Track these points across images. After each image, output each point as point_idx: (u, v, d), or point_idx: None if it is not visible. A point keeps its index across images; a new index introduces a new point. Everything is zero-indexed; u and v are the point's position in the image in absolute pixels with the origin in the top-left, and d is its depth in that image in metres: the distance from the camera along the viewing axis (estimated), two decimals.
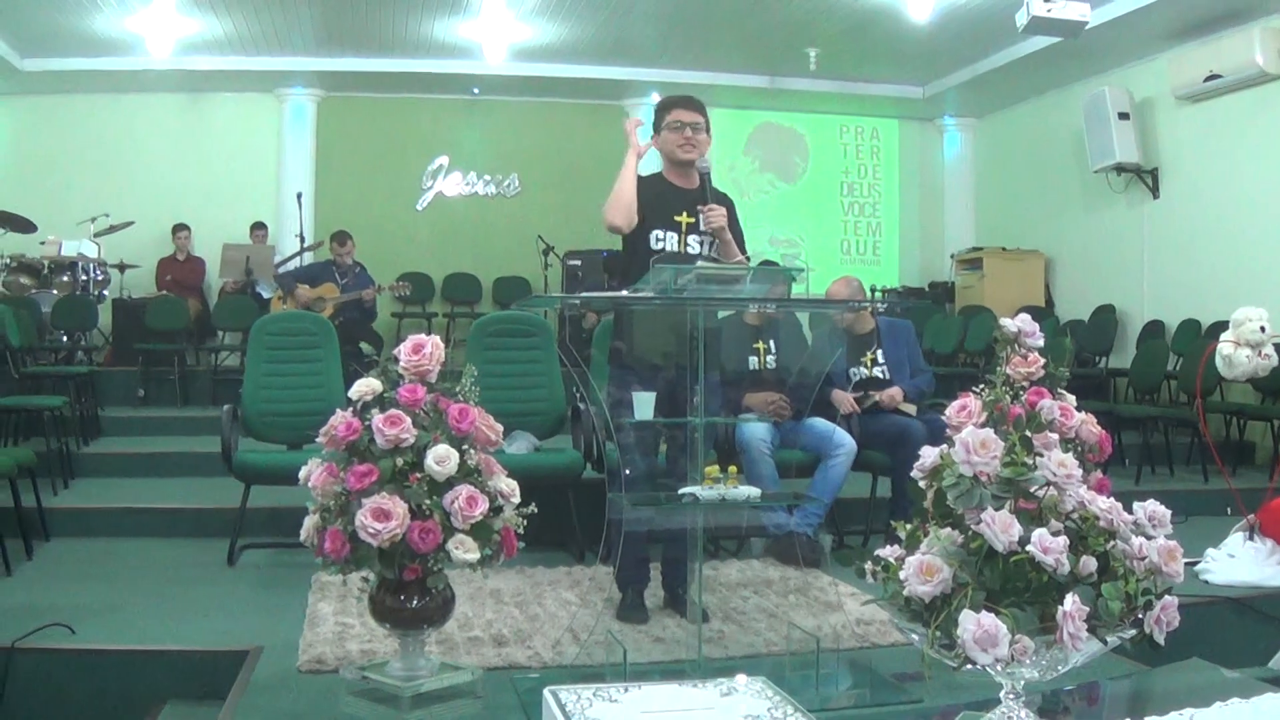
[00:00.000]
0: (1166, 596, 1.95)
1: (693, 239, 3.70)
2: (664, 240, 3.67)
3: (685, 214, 3.71)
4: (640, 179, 3.71)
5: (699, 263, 3.46)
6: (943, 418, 2.32)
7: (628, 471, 3.14)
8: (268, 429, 4.96)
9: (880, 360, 5.21)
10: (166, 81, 9.88)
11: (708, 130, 3.78)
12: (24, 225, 8.75)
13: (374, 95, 10.73)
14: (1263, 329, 4.33)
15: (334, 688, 2.86)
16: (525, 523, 2.76)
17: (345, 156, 10.72)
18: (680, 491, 3.00)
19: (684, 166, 3.76)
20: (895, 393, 5.04)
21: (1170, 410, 7.36)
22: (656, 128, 3.80)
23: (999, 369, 2.34)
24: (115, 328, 9.15)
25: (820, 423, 4.76)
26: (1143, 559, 1.96)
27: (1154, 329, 8.56)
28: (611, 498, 3.04)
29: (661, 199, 3.72)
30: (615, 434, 3.17)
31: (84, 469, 6.14)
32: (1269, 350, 4.35)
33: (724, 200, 3.74)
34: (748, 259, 3.70)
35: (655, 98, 10.74)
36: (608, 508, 3.04)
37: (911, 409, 5.03)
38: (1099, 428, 2.43)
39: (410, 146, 10.95)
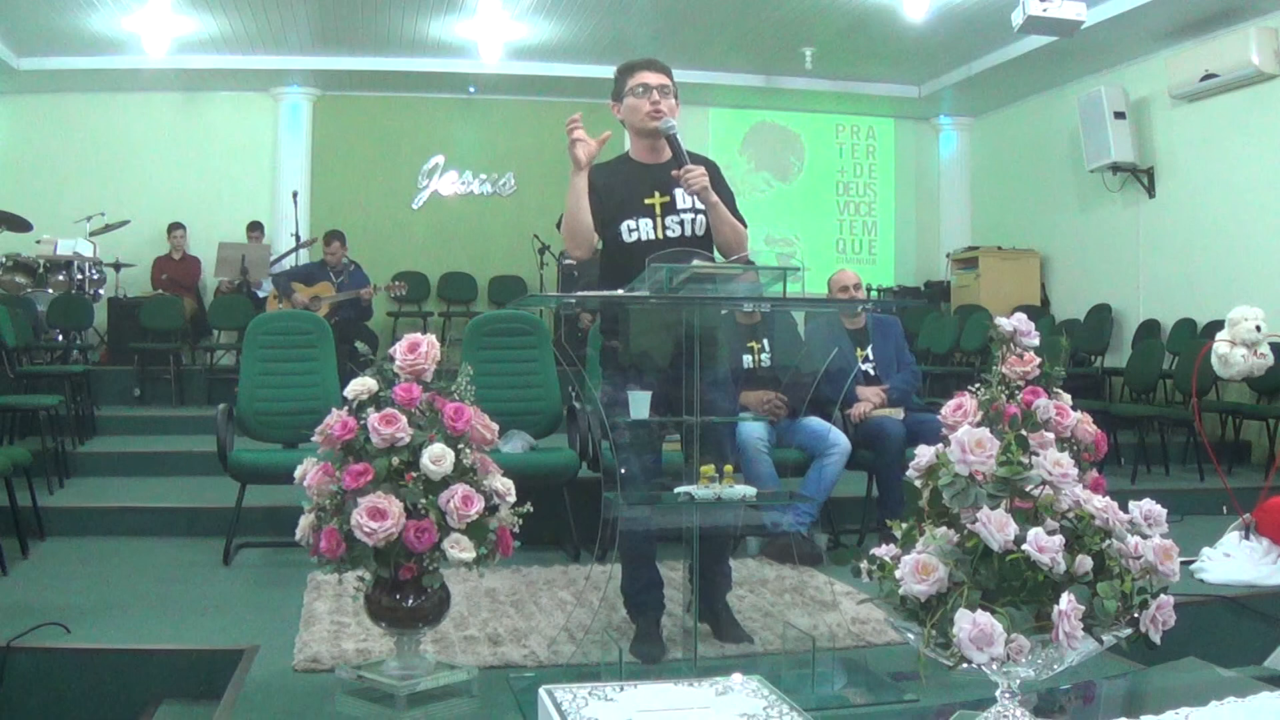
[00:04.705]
0: (1162, 595, 1.95)
1: (670, 220, 3.33)
2: (637, 230, 3.31)
3: (657, 194, 3.33)
4: (599, 167, 3.34)
5: (695, 260, 3.25)
6: (937, 417, 2.32)
7: (623, 470, 3.13)
8: (263, 428, 4.96)
9: (870, 357, 5.22)
10: (162, 80, 9.88)
11: (676, 95, 3.35)
12: (20, 224, 8.73)
13: (370, 94, 10.73)
14: (1258, 328, 4.34)
15: (329, 687, 2.86)
16: (521, 522, 2.76)
17: (341, 155, 10.72)
18: (676, 490, 3.00)
19: (652, 138, 3.35)
20: (863, 407, 5.01)
21: (1166, 409, 7.36)
22: (618, 95, 3.38)
23: (995, 368, 2.34)
24: (111, 327, 9.15)
25: (816, 422, 4.76)
26: (1138, 558, 1.96)
27: (1150, 328, 8.57)
28: (607, 497, 3.03)
29: (626, 184, 3.35)
30: (610, 433, 3.16)
31: (79, 468, 6.13)
32: (1264, 349, 4.36)
33: (703, 162, 3.32)
34: (744, 223, 3.37)
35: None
36: (603, 507, 3.04)
37: (898, 413, 5.02)
38: (1094, 427, 2.43)
39: (406, 145, 10.95)
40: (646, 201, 3.34)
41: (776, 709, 1.97)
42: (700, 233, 3.35)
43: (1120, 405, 7.55)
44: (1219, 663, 2.73)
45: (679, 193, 3.33)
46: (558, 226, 3.46)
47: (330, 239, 8.49)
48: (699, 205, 3.33)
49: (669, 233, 3.32)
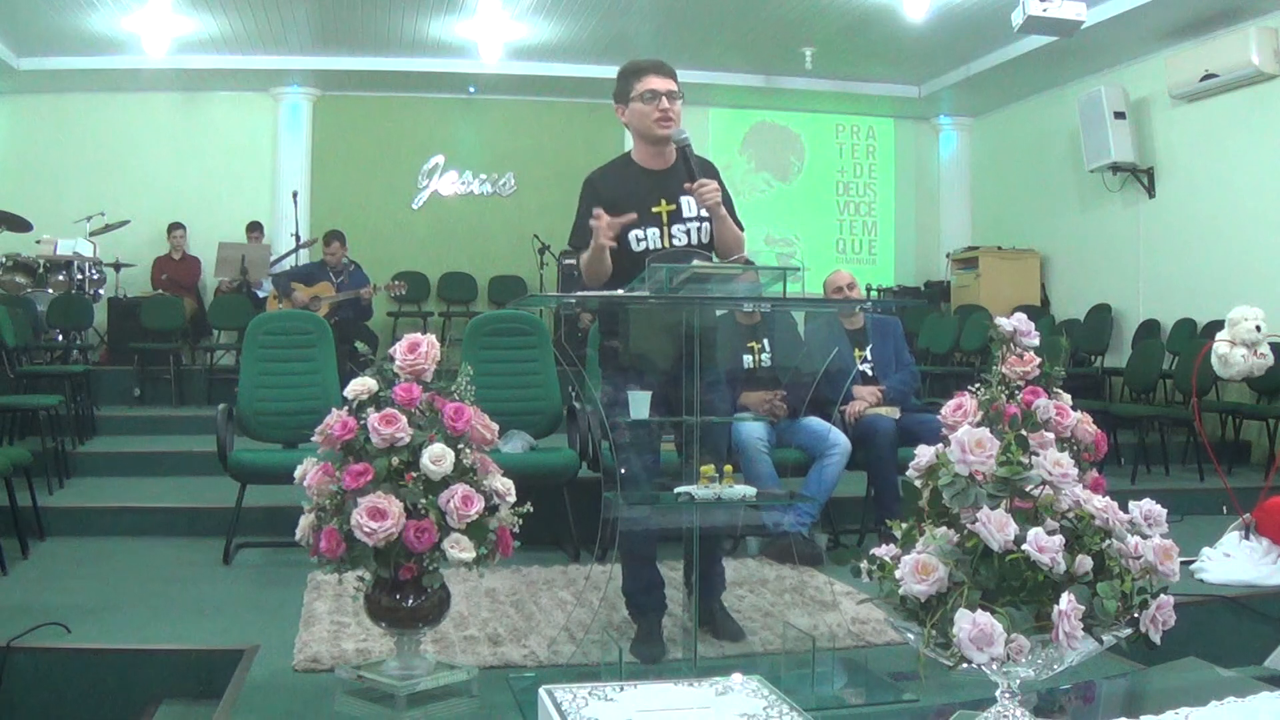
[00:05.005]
0: (1162, 595, 1.95)
1: (677, 229, 3.31)
2: (645, 239, 3.28)
3: (664, 201, 3.30)
4: (603, 173, 3.36)
5: (694, 261, 3.21)
6: (936, 416, 2.32)
7: (623, 470, 3.13)
8: (263, 428, 4.96)
9: (869, 357, 5.22)
10: (162, 80, 9.88)
11: (681, 98, 3.31)
12: (20, 224, 8.74)
13: (370, 94, 10.73)
14: (1258, 328, 4.34)
15: (329, 687, 2.86)
16: (521, 522, 2.75)
17: (341, 155, 10.72)
18: (676, 490, 3.00)
19: (659, 144, 3.31)
20: (858, 405, 5.01)
21: (1166, 409, 7.37)
22: (623, 98, 3.33)
23: (995, 368, 2.34)
24: (111, 327, 9.15)
25: (816, 422, 4.76)
26: (1138, 558, 1.96)
27: (1149, 328, 8.57)
28: (607, 497, 3.03)
29: (634, 191, 3.30)
30: (610, 433, 3.16)
31: (79, 468, 6.13)
32: (1264, 349, 4.36)
33: (709, 170, 3.31)
34: (741, 227, 3.37)
35: None
36: (603, 507, 3.04)
37: (894, 411, 5.02)
38: (1094, 427, 2.43)
39: (406, 145, 10.94)
40: (654, 210, 3.32)
41: (776, 709, 1.97)
42: (705, 240, 3.34)
43: (1120, 405, 7.54)
44: (1219, 663, 2.73)
45: (685, 200, 3.32)
46: (570, 244, 3.43)
47: (330, 239, 8.48)
48: (704, 213, 3.32)
49: (675, 241, 3.31)
